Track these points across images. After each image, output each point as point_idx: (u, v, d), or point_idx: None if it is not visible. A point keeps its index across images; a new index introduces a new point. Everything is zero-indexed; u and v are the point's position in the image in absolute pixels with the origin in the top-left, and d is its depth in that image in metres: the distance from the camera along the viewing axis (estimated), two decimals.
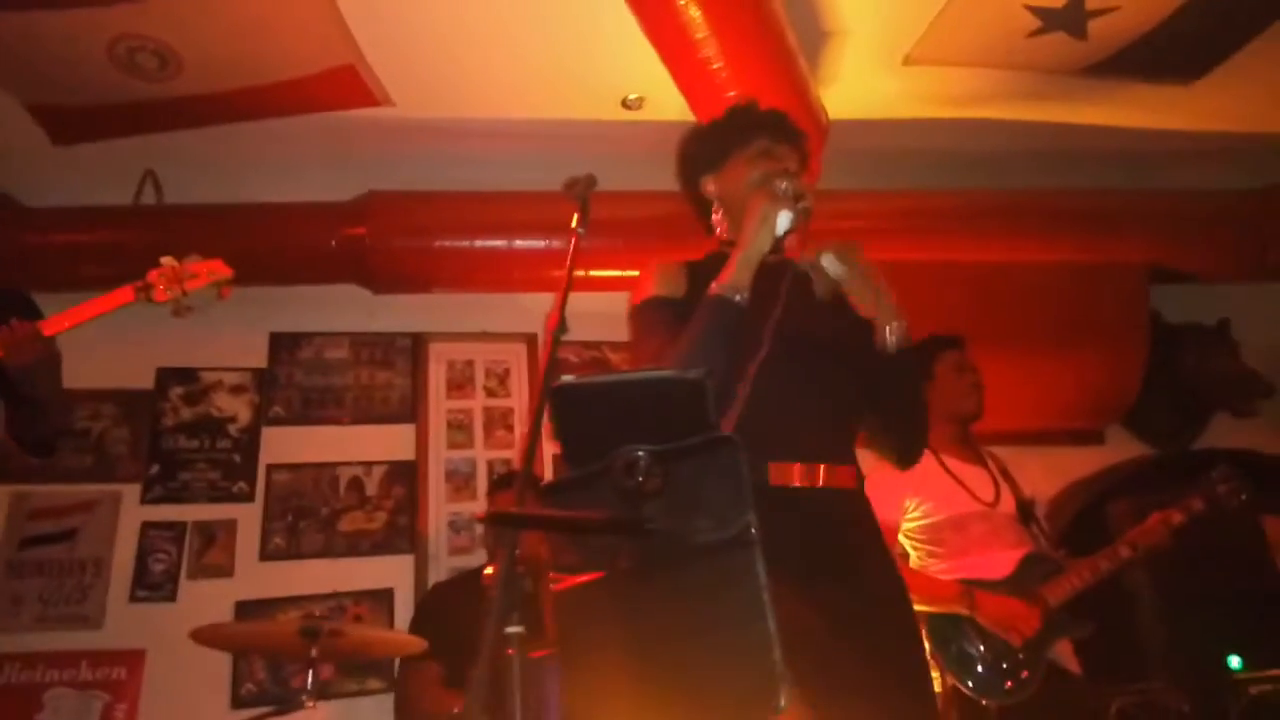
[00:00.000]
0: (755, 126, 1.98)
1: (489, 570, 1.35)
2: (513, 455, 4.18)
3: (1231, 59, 3.77)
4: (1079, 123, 4.22)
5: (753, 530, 1.28)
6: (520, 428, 4.24)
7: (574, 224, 1.74)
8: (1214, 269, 4.46)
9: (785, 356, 1.78)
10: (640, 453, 1.34)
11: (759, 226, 1.75)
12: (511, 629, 1.31)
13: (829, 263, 1.80)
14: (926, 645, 2.75)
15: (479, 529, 3.92)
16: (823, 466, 1.74)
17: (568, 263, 1.69)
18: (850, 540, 1.73)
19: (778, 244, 1.81)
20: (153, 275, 2.67)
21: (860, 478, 1.82)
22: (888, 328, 1.81)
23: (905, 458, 1.95)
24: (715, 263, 1.83)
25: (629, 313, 1.93)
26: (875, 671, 1.58)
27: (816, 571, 1.61)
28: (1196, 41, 3.66)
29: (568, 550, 1.44)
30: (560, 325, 1.61)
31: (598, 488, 1.39)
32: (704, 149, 2.03)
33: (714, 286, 1.73)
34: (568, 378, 1.39)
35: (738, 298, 1.71)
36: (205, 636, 2.54)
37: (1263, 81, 3.93)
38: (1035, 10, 3.43)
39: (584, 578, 1.40)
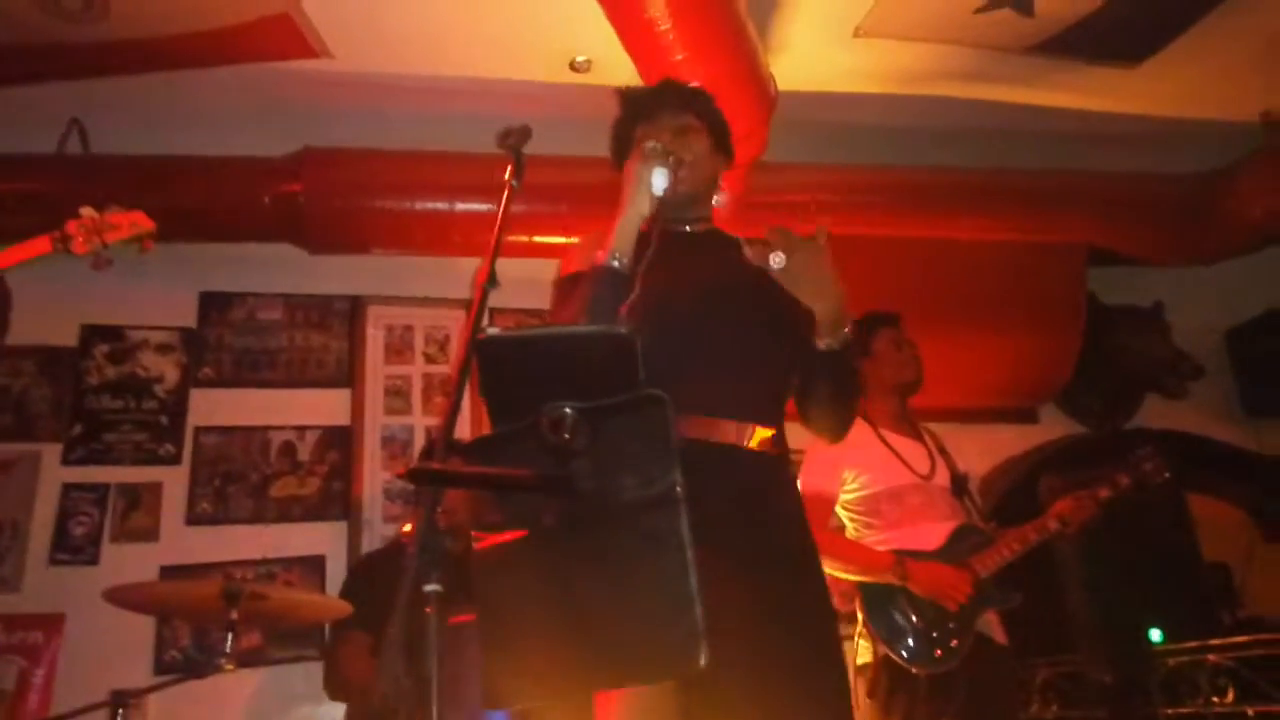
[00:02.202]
0: (635, 116, 1.98)
1: (408, 528, 1.30)
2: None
3: (1175, 42, 3.83)
4: (1024, 102, 4.26)
5: (678, 489, 1.26)
6: None
7: (507, 176, 1.69)
8: (1151, 252, 4.54)
9: (706, 316, 1.77)
10: (567, 409, 1.31)
11: (634, 189, 1.76)
12: (430, 587, 1.27)
13: (776, 262, 1.71)
14: (859, 615, 2.79)
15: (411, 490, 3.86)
16: (752, 427, 1.72)
17: (499, 215, 1.64)
18: (759, 502, 1.71)
19: (681, 205, 1.86)
20: (71, 226, 2.57)
21: (781, 444, 1.80)
22: (831, 331, 1.77)
23: (834, 436, 1.96)
24: (640, 239, 1.79)
25: (555, 282, 1.91)
26: (782, 636, 1.57)
27: (726, 532, 1.58)
28: (1141, 24, 3.70)
29: (491, 508, 1.41)
30: (490, 278, 1.56)
31: (524, 444, 1.36)
32: (615, 148, 2.02)
33: (598, 255, 1.74)
34: (492, 330, 1.34)
35: (616, 263, 1.72)
36: (121, 597, 2.45)
37: (1205, 66, 4.00)
38: None
39: (507, 536, 1.36)
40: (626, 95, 2.06)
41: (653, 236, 1.79)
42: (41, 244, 2.52)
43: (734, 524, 1.60)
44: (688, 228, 1.95)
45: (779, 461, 1.80)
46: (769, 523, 1.71)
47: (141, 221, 2.64)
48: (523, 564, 1.36)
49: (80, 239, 2.54)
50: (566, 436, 1.29)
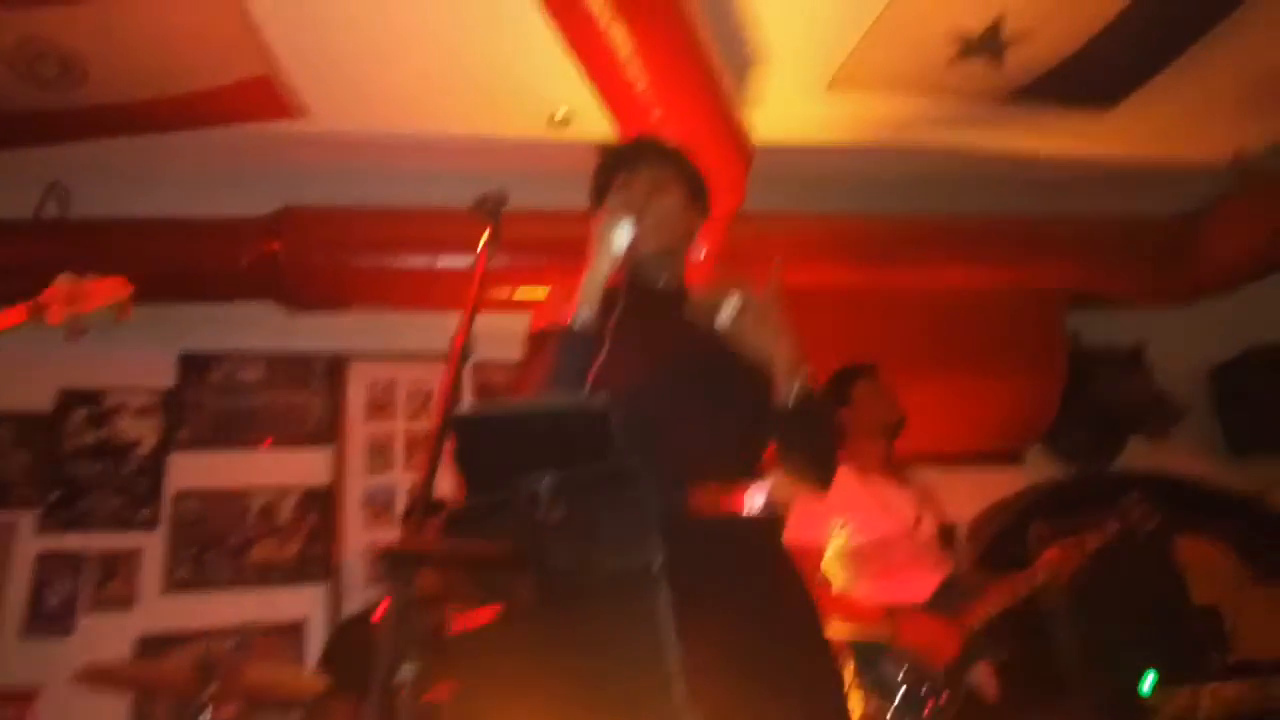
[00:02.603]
0: (611, 171, 2.00)
1: (380, 607, 1.28)
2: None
3: (1147, 85, 3.88)
4: (1000, 149, 4.31)
5: (656, 563, 1.23)
6: None
7: (482, 242, 1.68)
8: (1131, 293, 4.57)
9: (672, 381, 1.75)
10: (543, 484, 1.29)
11: (597, 247, 1.76)
12: (404, 668, 1.24)
13: (725, 316, 1.73)
14: (848, 672, 2.74)
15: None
16: (728, 488, 1.70)
17: (474, 281, 1.63)
18: (749, 568, 1.68)
19: (652, 262, 1.86)
20: (46, 295, 2.53)
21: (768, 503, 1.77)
22: (788, 383, 1.76)
23: (819, 490, 1.93)
24: (609, 293, 1.78)
25: (525, 337, 1.89)
26: (782, 702, 1.53)
27: (717, 602, 1.55)
28: (1112, 68, 3.76)
29: (467, 583, 1.38)
30: (466, 346, 1.54)
31: (500, 518, 1.34)
32: (592, 204, 2.01)
33: (564, 313, 1.74)
34: (465, 407, 1.33)
35: (582, 322, 1.72)
36: (92, 677, 2.38)
37: (1177, 107, 4.05)
38: (955, 36, 3.49)
39: (483, 612, 1.33)
40: (604, 151, 2.07)
41: (620, 293, 1.78)
42: (17, 314, 2.48)
43: (720, 594, 1.57)
44: (661, 283, 1.93)
45: (765, 524, 1.77)
46: (760, 588, 1.67)
47: (118, 289, 2.59)
48: (500, 639, 1.33)
49: (55, 308, 2.50)
50: (542, 511, 1.27)
